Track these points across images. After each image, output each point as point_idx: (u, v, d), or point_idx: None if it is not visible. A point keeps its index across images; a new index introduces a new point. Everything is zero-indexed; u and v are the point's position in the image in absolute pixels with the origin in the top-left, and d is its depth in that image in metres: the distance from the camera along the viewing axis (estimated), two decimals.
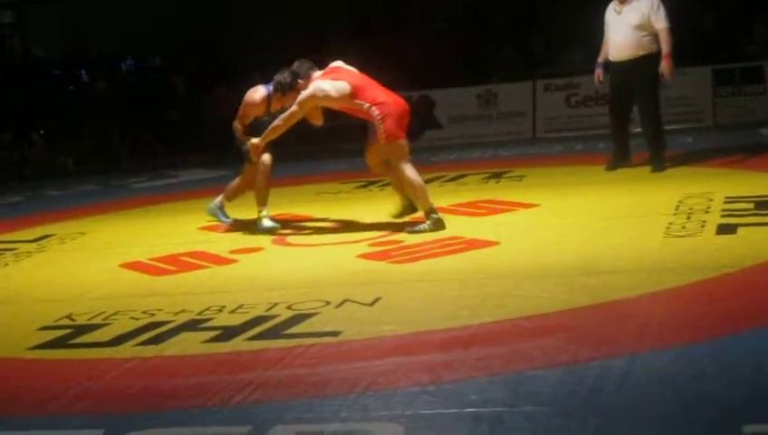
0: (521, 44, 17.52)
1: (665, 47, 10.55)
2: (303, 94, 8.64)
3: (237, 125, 9.32)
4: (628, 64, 10.72)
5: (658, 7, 10.63)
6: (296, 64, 8.93)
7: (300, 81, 8.84)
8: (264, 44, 17.60)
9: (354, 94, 8.53)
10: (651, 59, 10.60)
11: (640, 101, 10.83)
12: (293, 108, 8.69)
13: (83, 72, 20.57)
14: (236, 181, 9.71)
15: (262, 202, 9.29)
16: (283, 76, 9.00)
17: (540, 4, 17.81)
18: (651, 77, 10.64)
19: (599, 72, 11.12)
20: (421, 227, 8.55)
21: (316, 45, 16.48)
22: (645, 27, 10.61)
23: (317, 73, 8.83)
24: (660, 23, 10.58)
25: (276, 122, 8.80)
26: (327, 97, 8.61)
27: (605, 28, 10.94)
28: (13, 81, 19.23)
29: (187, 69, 18.67)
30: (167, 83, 18.19)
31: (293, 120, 8.76)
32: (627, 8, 10.71)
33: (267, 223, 9.22)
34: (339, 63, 8.95)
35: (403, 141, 8.62)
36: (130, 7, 20.16)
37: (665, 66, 10.56)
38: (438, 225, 8.52)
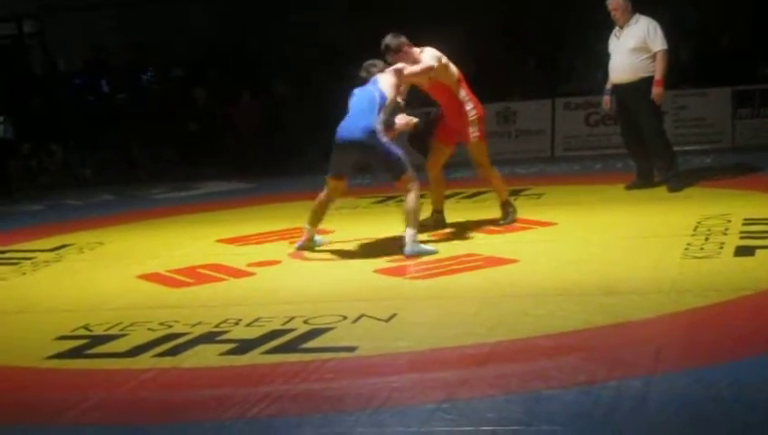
0: (545, 61, 17.46)
1: (657, 72, 10.58)
2: (433, 54, 8.86)
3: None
4: (628, 87, 10.73)
5: (655, 29, 10.64)
6: (392, 36, 8.88)
7: (404, 45, 8.87)
8: (285, 52, 17.67)
9: (459, 82, 9.04)
10: (650, 81, 10.61)
11: (643, 123, 10.80)
12: (424, 64, 8.77)
13: (103, 82, 20.61)
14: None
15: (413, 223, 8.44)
16: (389, 39, 8.86)
17: (566, 24, 17.75)
18: (650, 99, 10.63)
19: (606, 98, 11.14)
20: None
21: (335, 55, 16.56)
22: (642, 50, 10.62)
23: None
24: (657, 45, 10.59)
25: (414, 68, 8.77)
26: (443, 67, 8.93)
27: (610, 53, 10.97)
28: (33, 90, 19.31)
29: (208, 80, 18.67)
30: (187, 95, 18.18)
31: (423, 73, 8.82)
32: (625, 32, 10.75)
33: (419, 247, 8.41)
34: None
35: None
36: (151, 18, 20.24)
37: (655, 93, 10.59)
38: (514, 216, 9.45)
